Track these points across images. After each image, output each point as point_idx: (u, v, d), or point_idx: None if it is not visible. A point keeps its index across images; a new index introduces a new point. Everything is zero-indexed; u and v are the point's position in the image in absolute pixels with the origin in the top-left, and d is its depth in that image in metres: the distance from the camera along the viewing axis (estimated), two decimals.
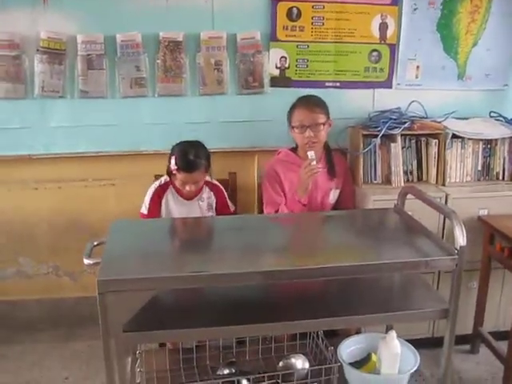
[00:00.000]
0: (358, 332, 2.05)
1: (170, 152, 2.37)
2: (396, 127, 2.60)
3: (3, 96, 2.61)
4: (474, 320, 2.66)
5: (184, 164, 2.31)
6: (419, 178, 2.70)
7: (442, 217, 2.42)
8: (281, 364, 1.82)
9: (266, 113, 2.78)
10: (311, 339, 1.93)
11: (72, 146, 2.72)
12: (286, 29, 2.71)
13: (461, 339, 2.42)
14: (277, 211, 2.46)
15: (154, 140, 2.74)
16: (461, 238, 1.47)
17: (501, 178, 2.73)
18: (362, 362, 1.75)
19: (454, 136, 2.62)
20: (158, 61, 2.64)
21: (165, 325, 1.45)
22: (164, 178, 2.47)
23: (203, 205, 2.49)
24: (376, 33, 2.78)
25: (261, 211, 2.65)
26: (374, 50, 2.81)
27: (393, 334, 1.69)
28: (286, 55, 2.75)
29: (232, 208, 2.59)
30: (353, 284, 1.69)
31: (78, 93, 2.65)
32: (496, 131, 2.68)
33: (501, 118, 2.81)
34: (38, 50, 2.57)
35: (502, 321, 2.70)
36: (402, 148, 2.64)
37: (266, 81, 2.75)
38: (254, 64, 2.71)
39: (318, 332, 1.88)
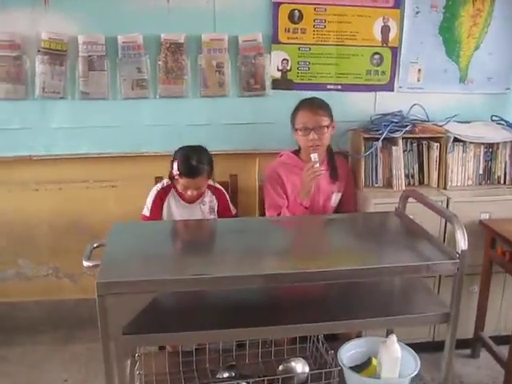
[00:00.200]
0: (358, 336, 2.04)
1: (172, 156, 2.36)
2: (397, 130, 2.60)
3: (4, 97, 2.61)
4: (475, 324, 2.65)
5: (186, 169, 2.29)
6: (420, 182, 2.70)
7: (443, 220, 2.41)
8: (281, 368, 1.82)
9: (267, 115, 2.78)
10: (311, 343, 1.92)
11: (73, 148, 2.72)
12: (288, 31, 2.71)
13: (461, 343, 2.41)
14: (279, 214, 2.46)
15: (154, 142, 2.74)
16: (462, 242, 1.46)
17: (502, 181, 2.72)
18: (363, 366, 1.74)
19: (456, 140, 2.61)
20: (160, 62, 2.64)
21: (164, 327, 1.45)
22: (166, 181, 2.47)
23: (205, 208, 2.48)
24: (378, 36, 2.78)
25: (262, 213, 2.65)
26: (376, 53, 2.80)
27: (393, 337, 1.68)
28: (287, 58, 2.74)
29: (234, 211, 2.58)
30: (353, 288, 1.68)
31: (79, 94, 2.64)
32: (498, 135, 2.68)
33: (502, 122, 2.81)
34: (38, 51, 2.57)
35: (503, 325, 2.70)
36: (404, 151, 2.64)
37: (268, 83, 2.75)
38: (255, 66, 2.71)
39: (318, 336, 1.87)
